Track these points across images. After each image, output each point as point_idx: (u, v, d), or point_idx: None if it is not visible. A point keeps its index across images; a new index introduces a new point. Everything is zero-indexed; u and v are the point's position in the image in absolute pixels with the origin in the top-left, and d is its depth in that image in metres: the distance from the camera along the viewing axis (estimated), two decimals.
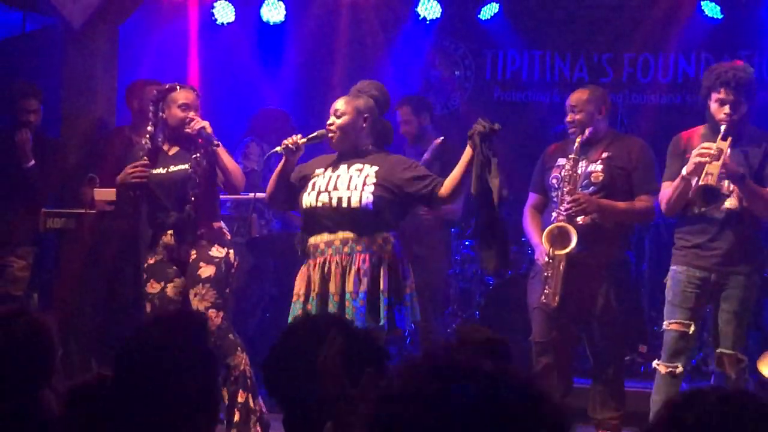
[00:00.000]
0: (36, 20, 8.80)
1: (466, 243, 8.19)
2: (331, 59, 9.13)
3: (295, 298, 5.09)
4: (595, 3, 8.91)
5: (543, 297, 5.56)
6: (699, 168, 5.13)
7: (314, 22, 9.14)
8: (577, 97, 5.78)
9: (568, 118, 5.75)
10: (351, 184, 5.01)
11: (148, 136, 5.68)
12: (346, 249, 4.96)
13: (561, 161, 5.74)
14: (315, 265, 5.03)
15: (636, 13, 8.85)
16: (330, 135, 5.14)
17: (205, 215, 5.66)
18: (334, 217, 5.00)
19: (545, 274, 5.55)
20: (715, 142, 5.20)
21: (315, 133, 5.21)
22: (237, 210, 7.22)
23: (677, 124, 6.33)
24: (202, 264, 5.58)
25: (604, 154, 5.66)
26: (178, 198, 5.64)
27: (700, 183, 5.12)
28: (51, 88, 7.07)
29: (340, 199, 4.99)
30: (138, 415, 2.43)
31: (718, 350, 5.38)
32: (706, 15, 8.55)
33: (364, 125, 5.13)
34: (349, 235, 4.97)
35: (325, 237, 5.01)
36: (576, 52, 9.02)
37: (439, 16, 8.92)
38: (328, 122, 5.15)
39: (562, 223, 5.54)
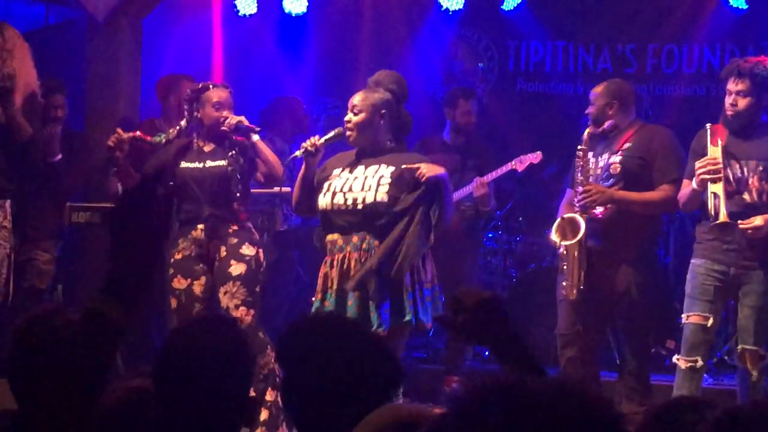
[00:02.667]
0: (59, 13, 8.83)
1: (490, 235, 8.17)
2: (353, 51, 9.11)
3: (316, 296, 5.10)
4: None
5: (563, 289, 5.56)
6: (704, 184, 5.17)
7: (336, 14, 9.13)
8: (594, 90, 5.84)
9: (587, 111, 5.80)
10: (365, 184, 4.99)
11: (177, 128, 5.74)
12: (364, 246, 4.95)
13: (590, 155, 5.74)
14: (334, 262, 5.02)
15: (661, 3, 8.80)
16: (348, 133, 5.12)
17: (239, 213, 5.71)
18: (348, 218, 4.99)
19: (563, 266, 5.55)
20: (725, 138, 5.23)
21: (332, 133, 5.22)
22: (260, 204, 7.21)
23: (702, 115, 6.30)
24: (233, 261, 5.62)
25: (626, 145, 5.64)
26: (214, 193, 5.67)
27: (711, 223, 5.19)
28: (74, 81, 7.08)
29: (354, 200, 4.98)
30: (176, 417, 2.43)
31: (739, 346, 5.36)
32: (731, 6, 8.49)
33: (382, 121, 5.09)
34: (365, 233, 4.95)
35: (342, 235, 5.00)
36: (600, 43, 8.97)
37: (461, 7, 8.88)
38: (346, 119, 5.13)
39: (569, 215, 5.54)
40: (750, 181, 5.24)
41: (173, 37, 8.40)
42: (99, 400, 2.11)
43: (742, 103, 5.29)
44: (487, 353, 7.91)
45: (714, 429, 1.99)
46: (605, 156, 5.67)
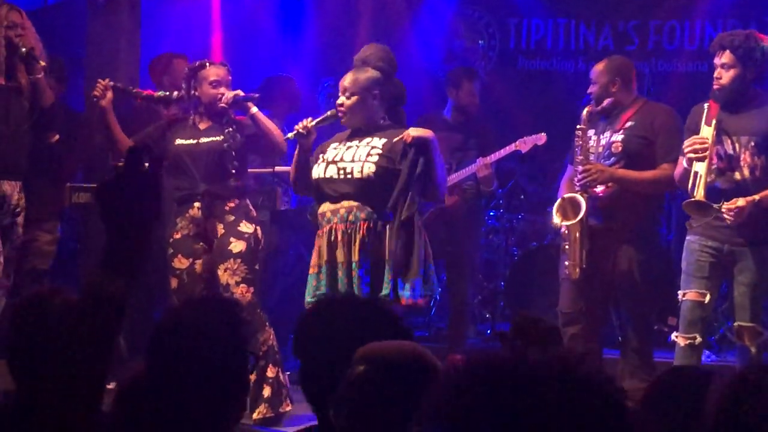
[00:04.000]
0: None
1: (491, 213, 8.17)
2: (353, 29, 9.08)
3: (311, 270, 5.15)
4: None
5: (564, 268, 5.56)
6: (691, 162, 5.16)
7: None
8: (595, 68, 5.82)
9: (588, 90, 5.75)
10: (356, 155, 5.03)
11: (176, 100, 5.77)
12: (350, 217, 5.01)
13: (590, 132, 5.72)
14: (323, 234, 5.07)
15: None
16: (340, 115, 5.15)
17: (236, 190, 5.68)
18: (337, 187, 5.05)
19: (565, 246, 5.54)
20: (717, 114, 5.21)
21: (325, 115, 5.26)
22: (260, 183, 7.20)
23: (704, 91, 6.24)
24: (232, 239, 5.61)
25: (627, 124, 5.62)
26: (208, 170, 5.67)
27: (685, 202, 5.17)
28: (74, 61, 7.06)
29: (344, 170, 5.05)
30: (168, 401, 2.42)
31: (736, 323, 5.36)
32: None
33: (375, 101, 5.13)
34: (353, 203, 4.99)
35: (331, 206, 5.04)
36: (601, 20, 8.94)
37: None
38: (338, 102, 5.16)
39: (570, 194, 5.53)
40: (742, 157, 5.21)
41: (172, 17, 8.37)
42: (102, 381, 2.10)
43: (726, 76, 5.26)
44: (489, 332, 7.93)
45: (728, 394, 1.97)
46: (607, 134, 5.66)
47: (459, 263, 6.98)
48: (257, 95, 5.75)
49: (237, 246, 5.60)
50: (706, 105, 5.31)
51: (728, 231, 5.26)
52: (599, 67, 5.78)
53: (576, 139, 5.63)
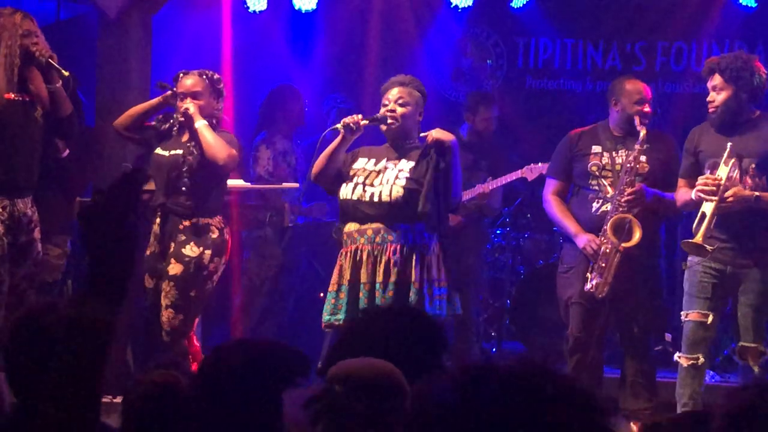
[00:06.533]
0: (70, 9, 8.86)
1: (498, 232, 8.19)
2: (362, 47, 9.12)
3: (330, 288, 5.15)
4: None
5: (591, 287, 5.53)
6: (701, 199, 5.18)
7: (345, 10, 9.14)
8: (647, 88, 5.81)
9: (647, 109, 5.73)
10: (384, 178, 5.07)
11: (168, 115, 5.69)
12: (377, 239, 5.04)
13: (596, 149, 5.73)
14: (347, 253, 5.08)
15: (670, 1, 8.79)
16: (390, 121, 5.20)
17: (194, 208, 5.51)
18: (365, 209, 5.10)
19: (601, 263, 5.52)
20: (713, 135, 5.26)
21: (375, 116, 5.27)
22: (269, 199, 7.23)
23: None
24: (172, 260, 5.46)
25: (645, 145, 5.64)
26: (169, 183, 5.54)
27: (684, 242, 5.22)
28: (85, 76, 7.10)
29: (372, 193, 5.09)
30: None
31: (740, 343, 5.38)
32: (740, 3, 8.49)
33: (419, 118, 5.28)
34: (380, 225, 5.02)
35: (357, 226, 5.07)
36: (609, 41, 8.97)
37: (470, 4, 8.89)
38: (389, 108, 5.20)
39: (628, 216, 5.50)
40: (743, 179, 5.23)
41: (183, 33, 8.42)
42: (98, 395, 2.13)
43: (719, 99, 5.29)
44: (494, 350, 7.95)
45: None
46: (621, 152, 5.67)
47: (463, 281, 7.01)
48: (189, 109, 5.54)
49: (174, 268, 5.45)
50: (710, 129, 5.36)
51: (731, 253, 5.28)
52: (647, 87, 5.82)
53: (628, 159, 5.62)
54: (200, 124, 5.50)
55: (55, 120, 5.69)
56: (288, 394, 2.42)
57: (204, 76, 5.65)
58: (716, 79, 5.29)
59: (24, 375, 2.78)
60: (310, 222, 7.54)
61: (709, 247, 5.14)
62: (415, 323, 2.70)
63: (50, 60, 5.54)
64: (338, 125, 5.24)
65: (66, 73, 5.59)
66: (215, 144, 5.46)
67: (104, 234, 2.05)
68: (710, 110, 5.34)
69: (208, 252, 5.47)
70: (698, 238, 5.13)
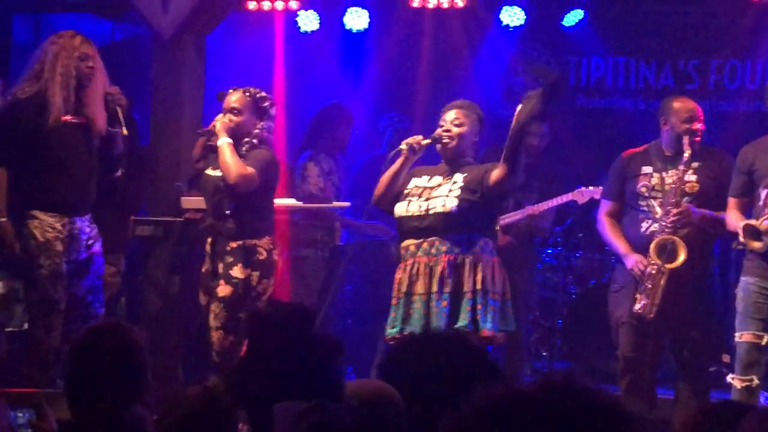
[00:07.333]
0: (125, 30, 8.98)
1: (549, 251, 8.16)
2: (414, 67, 9.14)
3: (392, 302, 5.28)
4: (681, 9, 8.79)
5: (639, 308, 5.50)
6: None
7: (397, 30, 9.15)
8: (699, 107, 5.77)
9: (697, 126, 5.69)
10: (438, 192, 5.17)
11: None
12: (432, 250, 5.14)
13: (646, 169, 5.70)
14: (404, 268, 5.18)
15: (723, 19, 8.71)
16: (445, 140, 5.27)
17: (239, 230, 5.55)
18: (420, 223, 5.17)
19: (647, 284, 5.49)
20: None
21: (432, 136, 5.33)
22: (321, 219, 7.25)
23: (764, 131, 6.24)
24: (222, 281, 5.49)
25: (695, 164, 5.60)
26: (215, 205, 5.61)
27: (745, 223, 5.18)
28: (139, 97, 7.19)
29: (427, 206, 5.16)
30: None
31: None
32: None
33: (475, 140, 5.35)
34: (434, 238, 5.09)
35: (414, 241, 5.14)
36: (661, 59, 8.92)
37: (522, 23, 8.87)
38: (445, 128, 5.29)
39: (673, 237, 5.47)
40: None
41: (236, 53, 8.50)
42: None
43: None
44: (545, 370, 7.90)
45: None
46: (671, 172, 5.64)
47: (514, 299, 6.97)
48: (215, 136, 5.61)
49: (223, 290, 5.49)
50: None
51: None
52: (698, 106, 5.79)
53: (675, 178, 5.59)
54: (222, 141, 5.53)
55: (107, 154, 5.80)
56: (280, 408, 2.46)
57: (247, 93, 5.67)
58: None
59: (82, 395, 2.82)
60: (367, 240, 7.52)
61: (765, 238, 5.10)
62: (464, 353, 2.70)
63: (118, 109, 5.69)
64: (402, 146, 5.30)
65: (125, 132, 5.73)
66: (228, 163, 5.48)
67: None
68: None
69: (255, 273, 5.52)
70: (760, 222, 5.08)
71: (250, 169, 5.49)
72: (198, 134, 5.87)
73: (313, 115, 7.67)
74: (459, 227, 5.13)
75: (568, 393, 1.49)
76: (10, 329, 6.65)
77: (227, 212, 5.53)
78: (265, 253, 5.58)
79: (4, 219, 5.60)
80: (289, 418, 2.39)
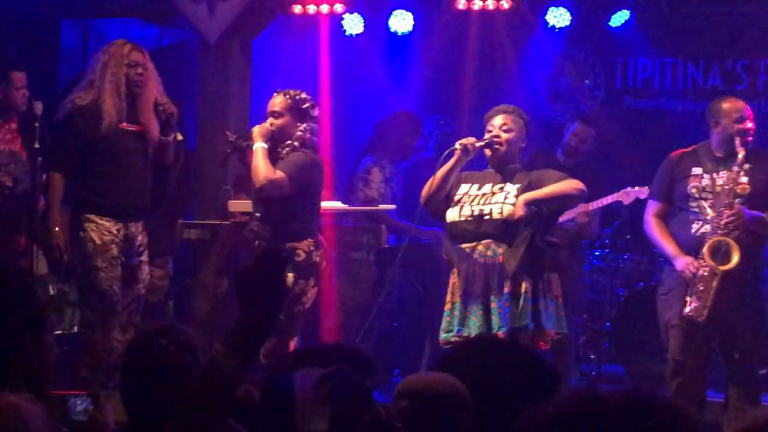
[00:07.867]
0: (172, 35, 9.05)
1: (596, 254, 8.11)
2: (459, 69, 9.13)
3: (446, 306, 5.30)
4: (730, 9, 8.70)
5: (690, 310, 5.46)
6: None
7: (442, 32, 9.15)
8: (747, 106, 5.73)
9: (749, 125, 5.65)
10: (493, 199, 5.23)
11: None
12: (489, 252, 5.15)
13: (696, 170, 5.66)
14: (460, 272, 5.20)
15: None
16: (496, 146, 5.30)
17: (273, 233, 5.58)
18: (475, 228, 5.20)
19: (699, 287, 5.45)
20: None
21: (485, 140, 5.35)
22: (368, 221, 7.25)
23: None
24: None
25: (746, 165, 5.55)
26: (261, 207, 5.65)
27: None
28: (186, 101, 7.25)
29: (481, 212, 5.20)
30: None
31: None
32: None
33: (522, 144, 5.39)
34: (489, 241, 5.11)
35: (467, 245, 5.18)
36: (709, 59, 8.84)
37: (568, 24, 8.82)
38: (494, 133, 5.31)
39: (727, 239, 5.43)
40: None
41: (282, 57, 8.54)
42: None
43: None
44: (594, 372, 7.85)
45: None
46: (723, 174, 5.58)
47: (564, 301, 6.95)
48: (247, 143, 5.69)
49: None
50: None
51: None
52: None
53: (728, 180, 5.55)
54: (257, 146, 5.56)
55: (159, 163, 5.87)
56: (299, 373, 2.47)
57: (287, 96, 5.68)
58: None
59: (137, 396, 2.84)
60: (413, 243, 7.50)
61: None
62: (522, 356, 2.68)
63: (169, 117, 5.77)
64: (456, 146, 5.31)
65: (180, 137, 5.81)
66: (256, 167, 5.50)
67: (253, 296, 2.21)
68: None
69: (291, 275, 5.52)
70: None
71: (279, 174, 5.48)
72: (227, 142, 5.90)
73: (380, 120, 7.69)
74: (515, 232, 5.18)
75: (654, 404, 1.47)
76: (58, 332, 6.71)
77: (258, 215, 5.56)
78: (303, 255, 5.58)
79: (57, 229, 5.67)
80: (308, 385, 2.42)
